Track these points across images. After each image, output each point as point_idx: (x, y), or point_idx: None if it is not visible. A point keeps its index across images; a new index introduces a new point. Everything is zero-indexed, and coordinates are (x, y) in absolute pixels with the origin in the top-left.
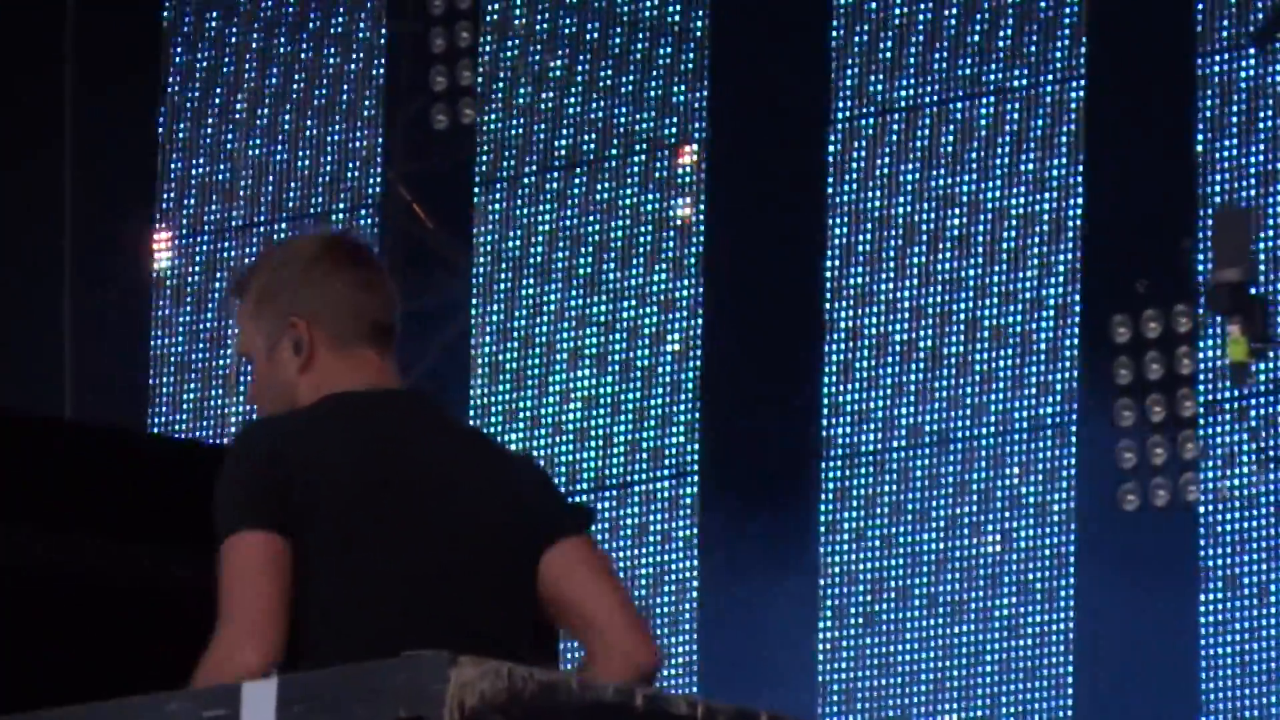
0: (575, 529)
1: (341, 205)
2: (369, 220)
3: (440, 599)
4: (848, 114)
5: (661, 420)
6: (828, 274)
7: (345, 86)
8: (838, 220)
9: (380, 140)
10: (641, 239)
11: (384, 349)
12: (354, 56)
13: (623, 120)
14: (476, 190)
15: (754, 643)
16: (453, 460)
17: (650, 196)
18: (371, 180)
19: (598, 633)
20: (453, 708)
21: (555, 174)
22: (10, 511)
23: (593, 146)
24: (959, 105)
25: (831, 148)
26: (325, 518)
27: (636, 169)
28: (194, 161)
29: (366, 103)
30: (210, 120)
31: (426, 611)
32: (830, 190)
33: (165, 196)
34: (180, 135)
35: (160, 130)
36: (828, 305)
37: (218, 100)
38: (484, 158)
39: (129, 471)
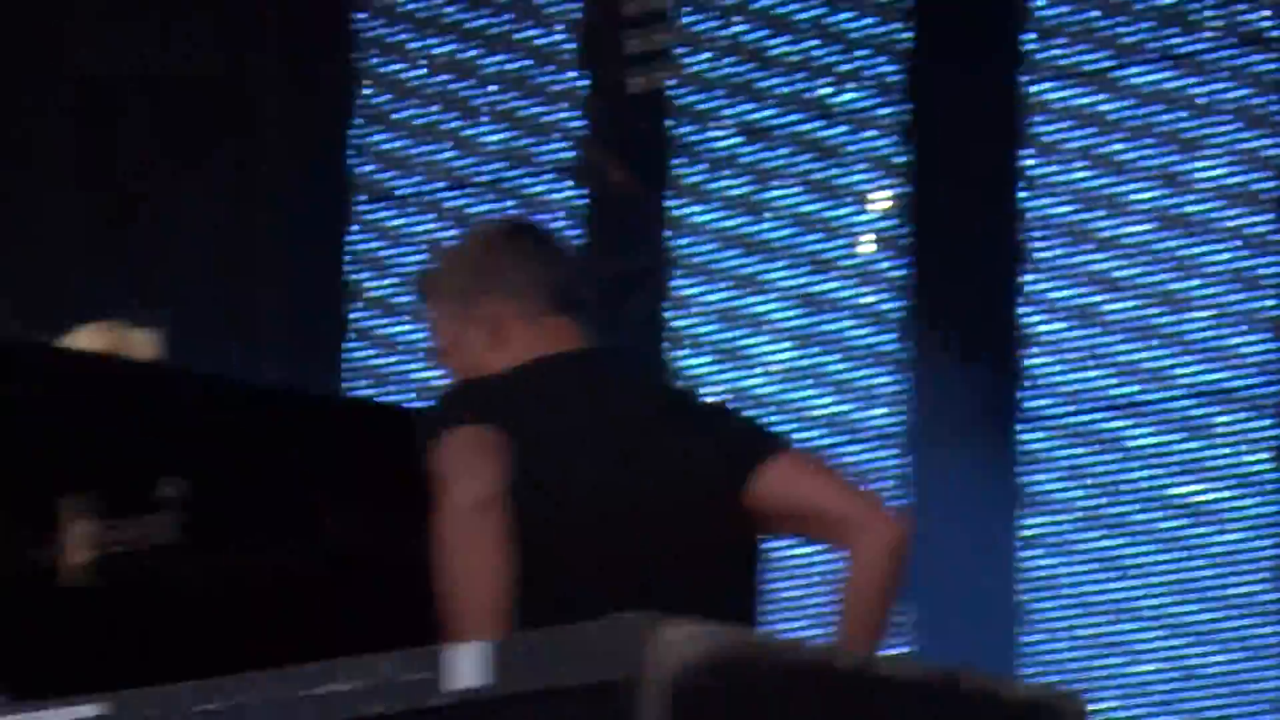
0: (782, 445)
1: (538, 173)
2: (564, 188)
3: (641, 559)
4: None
5: (863, 393)
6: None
7: (540, 54)
8: (1035, 193)
9: (578, 107)
10: (839, 213)
11: (574, 317)
12: (548, 25)
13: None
14: (673, 158)
15: (957, 609)
16: (654, 416)
17: (844, 170)
18: (566, 149)
19: (840, 524)
20: (661, 668)
21: (751, 144)
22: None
23: (789, 118)
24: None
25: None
26: (521, 476)
27: (833, 141)
28: (385, 130)
29: (562, 71)
30: (404, 89)
31: (626, 573)
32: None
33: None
34: (372, 104)
35: (351, 99)
36: (1027, 278)
37: (408, 68)
38: (681, 125)
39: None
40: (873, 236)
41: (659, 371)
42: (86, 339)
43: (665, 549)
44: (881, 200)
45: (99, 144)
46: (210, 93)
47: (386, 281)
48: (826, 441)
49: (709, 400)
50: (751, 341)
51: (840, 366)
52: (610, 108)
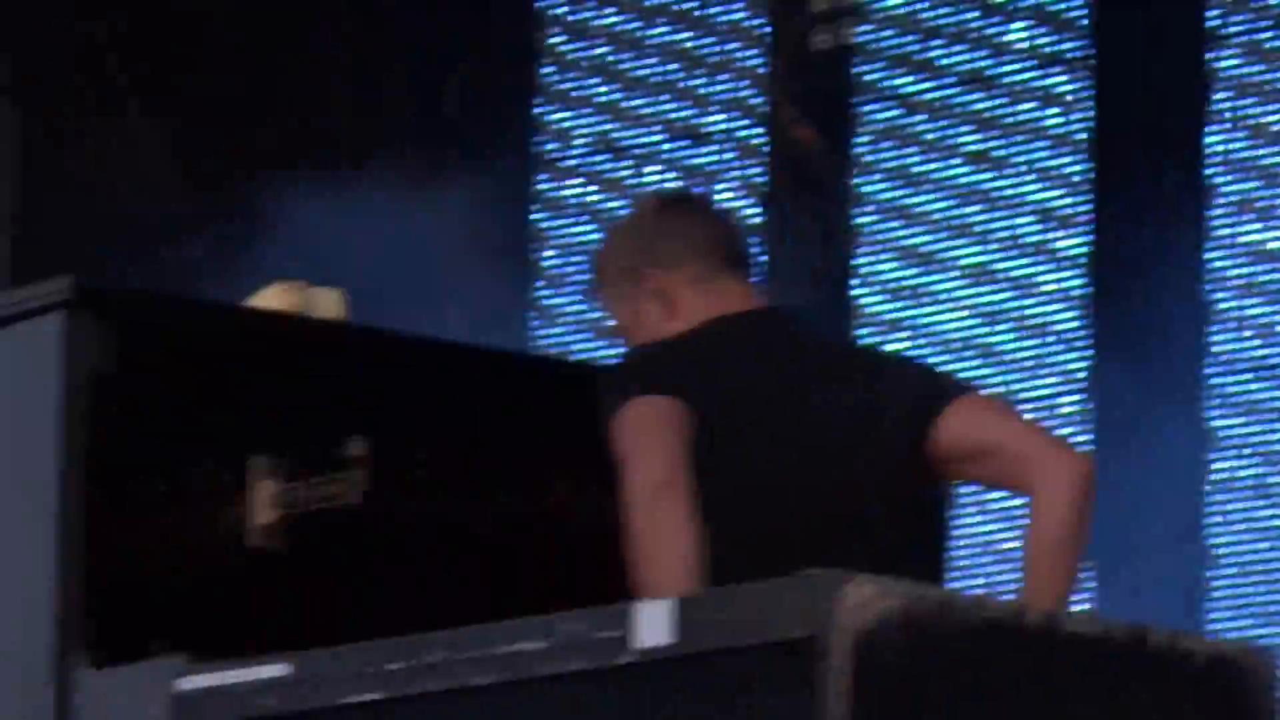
0: (963, 389)
1: (724, 124)
2: (752, 139)
3: (828, 518)
4: None
5: (1046, 332)
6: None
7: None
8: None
9: (764, 60)
10: (1021, 151)
11: (742, 276)
12: None
13: (1005, 37)
14: (858, 108)
15: (1139, 552)
16: (834, 371)
17: (1028, 108)
18: (754, 101)
19: (1022, 462)
20: (847, 626)
21: (937, 89)
22: (399, 434)
23: (984, 63)
24: None
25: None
26: (707, 439)
27: (1019, 83)
28: (571, 77)
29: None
30: (591, 39)
31: (812, 531)
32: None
33: (543, 110)
34: (560, 48)
35: (537, 40)
36: (1212, 213)
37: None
38: (864, 76)
39: (515, 395)
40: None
41: (834, 328)
42: (272, 298)
43: (850, 505)
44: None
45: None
46: (391, 69)
47: (569, 259)
48: (1011, 381)
49: (887, 351)
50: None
51: (1025, 306)
52: (795, 66)
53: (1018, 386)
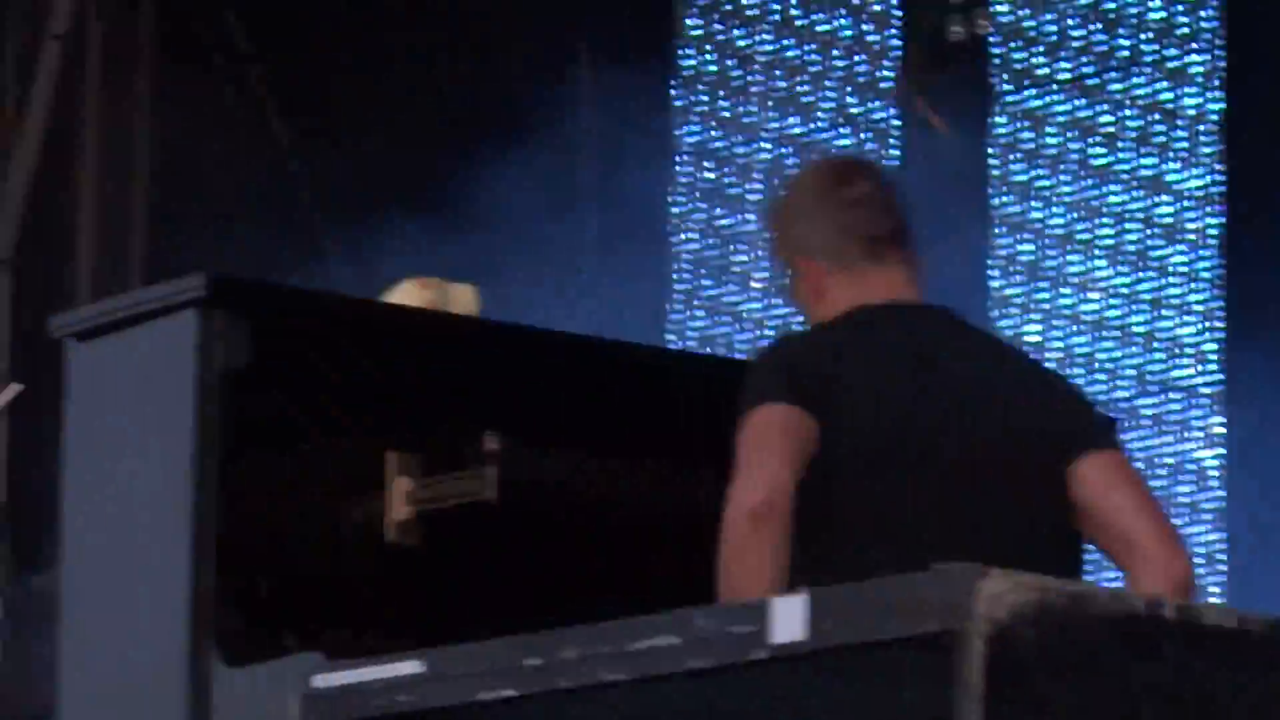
0: (1109, 443)
1: (859, 130)
2: (887, 124)
3: (961, 512)
4: None
5: (1179, 310)
6: None
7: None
8: None
9: (900, 51)
10: (1155, 130)
11: (888, 261)
12: None
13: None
14: (993, 98)
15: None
16: (976, 372)
17: (1162, 86)
18: (888, 86)
19: (1132, 546)
20: (983, 620)
21: (1078, 73)
22: (533, 430)
23: (1121, 45)
24: None
25: None
26: (846, 433)
27: (1149, 62)
28: (706, 57)
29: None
30: (728, 21)
31: (947, 525)
32: None
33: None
34: (695, 31)
35: (674, 62)
36: None
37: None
38: (998, 68)
39: (646, 388)
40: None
41: (981, 323)
42: (407, 294)
43: (992, 505)
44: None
45: (424, 111)
46: (530, 59)
47: (708, 242)
48: (1145, 362)
49: (1039, 363)
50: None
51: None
52: (929, 56)
53: (1152, 366)
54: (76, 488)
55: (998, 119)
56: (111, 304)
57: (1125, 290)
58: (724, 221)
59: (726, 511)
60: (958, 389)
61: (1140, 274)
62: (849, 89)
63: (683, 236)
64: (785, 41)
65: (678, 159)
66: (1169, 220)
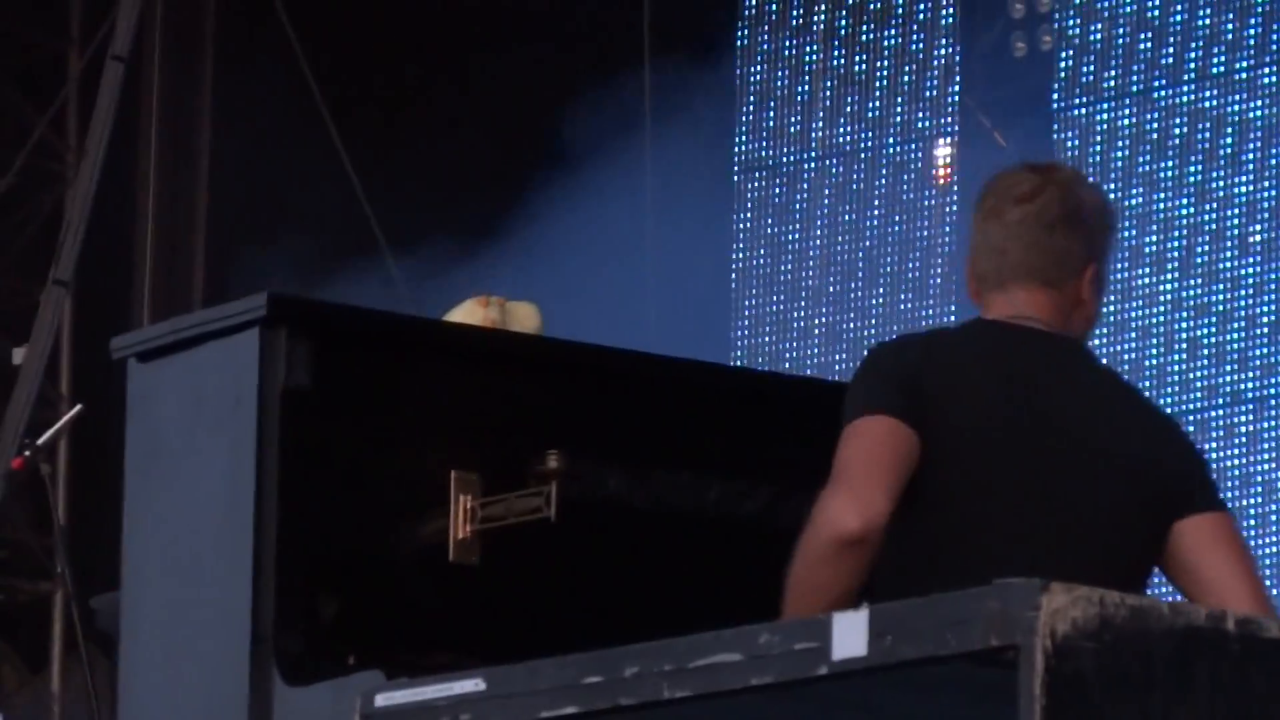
0: (1218, 504)
1: (915, 141)
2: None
3: (1049, 545)
4: None
5: (1248, 322)
6: None
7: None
8: None
9: (958, 66)
10: (1227, 142)
11: (1034, 289)
12: None
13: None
14: (1056, 114)
15: None
16: (1088, 407)
17: (1237, 98)
18: (949, 106)
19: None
20: (1045, 635)
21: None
22: (594, 448)
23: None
24: None
25: None
26: (946, 442)
27: (1215, 74)
28: (777, 74)
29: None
30: (794, 38)
31: (1031, 554)
32: None
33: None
34: (762, 46)
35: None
36: None
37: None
38: (1060, 85)
39: (706, 405)
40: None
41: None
42: (468, 313)
43: (1079, 540)
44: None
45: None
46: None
47: (772, 260)
48: (1218, 375)
49: (1157, 408)
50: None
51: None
52: (990, 71)
53: (1222, 378)
54: (137, 508)
55: (1061, 134)
56: (172, 324)
57: (1194, 303)
58: (790, 238)
59: (815, 523)
60: (1062, 417)
61: (1210, 286)
62: (915, 104)
63: (745, 252)
64: (858, 56)
65: (737, 177)
66: (1236, 232)
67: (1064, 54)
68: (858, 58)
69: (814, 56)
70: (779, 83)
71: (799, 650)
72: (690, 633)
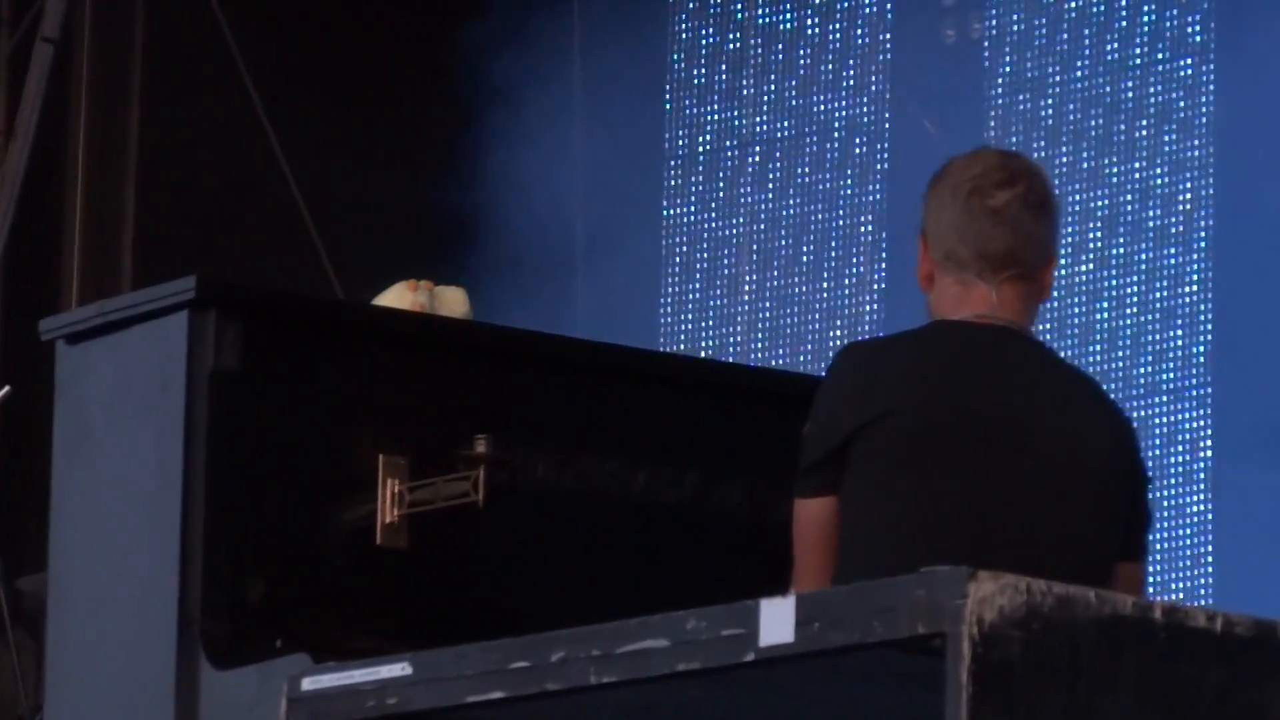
0: (1142, 552)
1: (841, 132)
2: (867, 137)
3: (1003, 540)
4: None
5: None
6: None
7: None
8: None
9: (888, 57)
10: (1147, 139)
11: (998, 280)
12: None
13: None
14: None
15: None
16: (1050, 400)
17: (1154, 92)
18: (872, 100)
19: None
20: (971, 623)
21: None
22: (521, 433)
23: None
24: None
25: None
26: (905, 436)
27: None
28: (700, 67)
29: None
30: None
31: (992, 544)
32: None
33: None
34: (684, 36)
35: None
36: None
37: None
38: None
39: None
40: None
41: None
42: (397, 297)
43: (1038, 535)
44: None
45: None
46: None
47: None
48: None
49: (1120, 413)
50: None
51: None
52: (920, 60)
53: (1140, 372)
54: (65, 490)
55: (990, 123)
56: (101, 306)
57: (1112, 294)
58: (711, 225)
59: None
60: (1021, 417)
61: (1140, 280)
62: (842, 93)
63: (674, 240)
64: (777, 46)
65: (669, 165)
66: (1167, 228)
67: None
68: (779, 46)
69: (735, 45)
70: (707, 73)
71: (726, 636)
72: (617, 619)
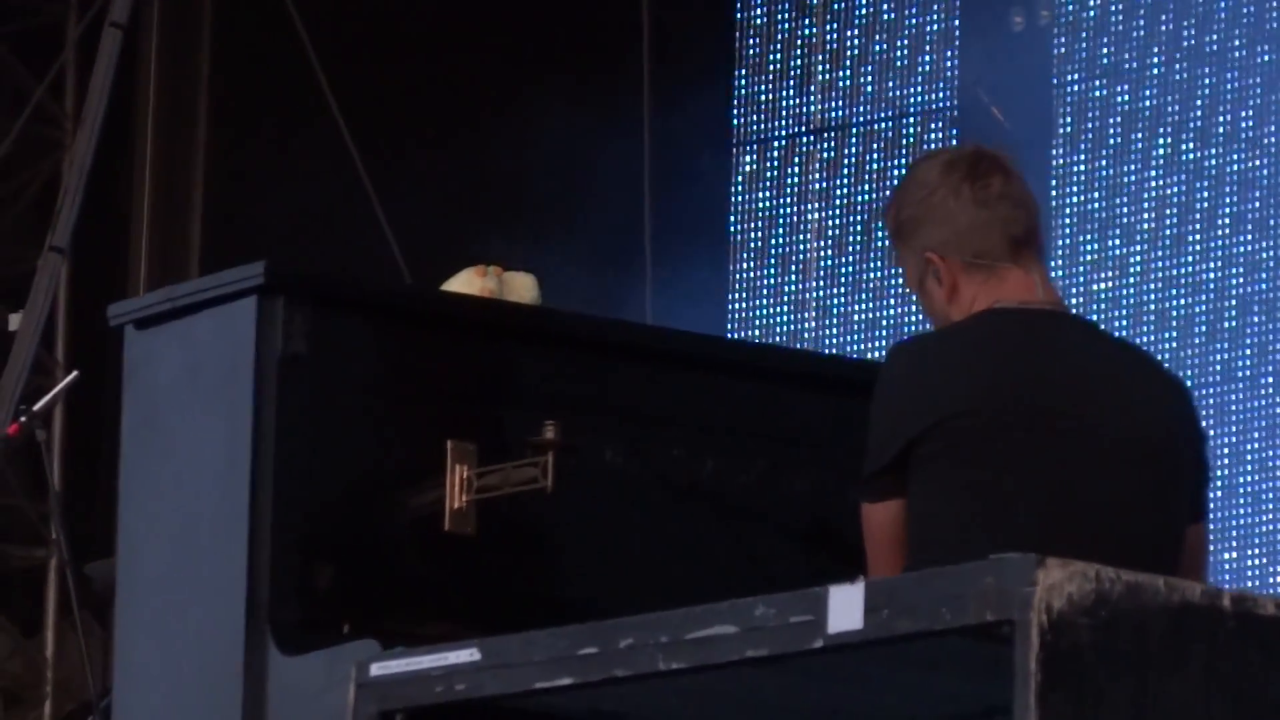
0: (1204, 512)
1: (916, 105)
2: (943, 123)
3: (1078, 521)
4: None
5: (1247, 304)
6: None
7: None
8: None
9: (957, 42)
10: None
11: (1025, 260)
12: None
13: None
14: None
15: None
16: (1107, 380)
17: (1231, 79)
18: (945, 86)
19: None
20: (1040, 610)
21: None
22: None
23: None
24: None
25: None
26: (965, 435)
27: (1222, 54)
28: (770, 51)
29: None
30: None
31: (1054, 531)
32: None
33: (742, 84)
34: (758, 21)
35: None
36: None
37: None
38: (1057, 61)
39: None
40: None
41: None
42: (466, 283)
43: (1111, 514)
44: None
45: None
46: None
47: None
48: (1210, 352)
49: (1177, 380)
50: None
51: (1225, 277)
52: (989, 48)
53: (1217, 358)
54: (133, 476)
55: (1061, 110)
56: (170, 291)
57: (1188, 280)
58: (787, 211)
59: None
60: (1087, 395)
61: (1204, 263)
62: (912, 78)
63: (745, 226)
64: (850, 31)
65: (735, 149)
66: (1233, 212)
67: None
68: (853, 31)
69: (809, 30)
70: (779, 57)
71: (794, 623)
72: (685, 605)
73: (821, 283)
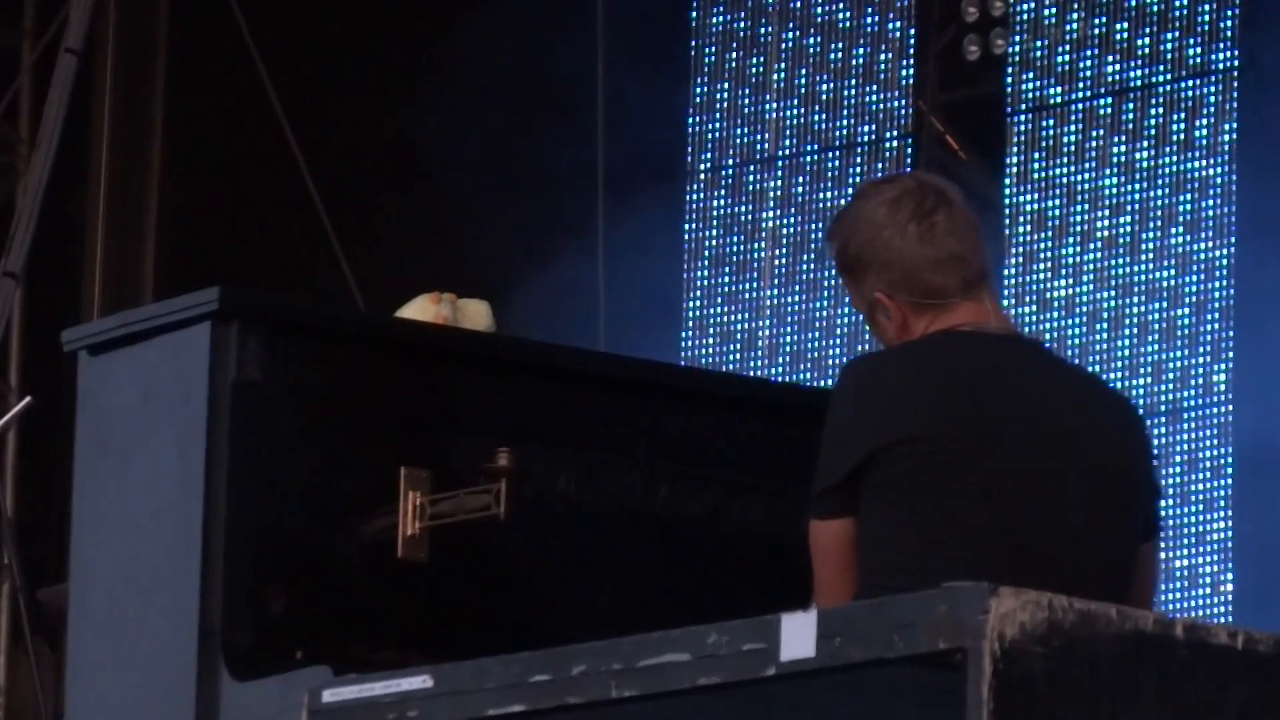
0: (1157, 528)
1: (869, 132)
2: (895, 149)
3: (1029, 548)
4: None
5: (1195, 344)
6: None
7: (873, 14)
8: None
9: (911, 69)
10: (1168, 168)
11: (976, 293)
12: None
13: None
14: (1010, 119)
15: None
16: (1060, 404)
17: (1177, 118)
18: (900, 109)
19: None
20: (993, 639)
21: (1097, 101)
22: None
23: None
24: None
25: None
26: (917, 459)
27: (1167, 93)
28: (720, 87)
29: (894, 29)
30: (736, 47)
31: (1008, 557)
32: None
33: (693, 121)
34: (708, 60)
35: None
36: None
37: (743, 27)
38: (1016, 87)
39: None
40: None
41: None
42: (420, 309)
43: (1059, 537)
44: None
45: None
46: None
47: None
48: (1161, 392)
49: (1128, 403)
50: (1094, 294)
51: (1175, 317)
52: (945, 74)
53: (1167, 398)
54: (86, 501)
55: (1011, 147)
56: (124, 317)
57: (1141, 321)
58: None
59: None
60: (1042, 409)
61: (1156, 304)
62: (864, 117)
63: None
64: (800, 70)
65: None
66: (1182, 250)
67: (1020, 55)
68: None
69: (759, 70)
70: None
71: (747, 651)
72: (638, 632)
73: (772, 320)
